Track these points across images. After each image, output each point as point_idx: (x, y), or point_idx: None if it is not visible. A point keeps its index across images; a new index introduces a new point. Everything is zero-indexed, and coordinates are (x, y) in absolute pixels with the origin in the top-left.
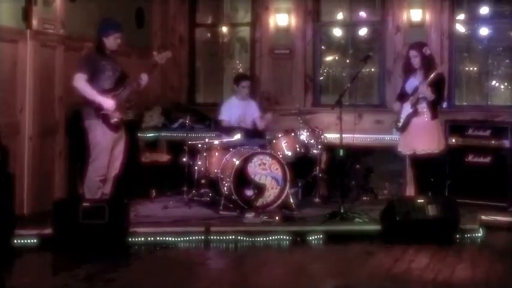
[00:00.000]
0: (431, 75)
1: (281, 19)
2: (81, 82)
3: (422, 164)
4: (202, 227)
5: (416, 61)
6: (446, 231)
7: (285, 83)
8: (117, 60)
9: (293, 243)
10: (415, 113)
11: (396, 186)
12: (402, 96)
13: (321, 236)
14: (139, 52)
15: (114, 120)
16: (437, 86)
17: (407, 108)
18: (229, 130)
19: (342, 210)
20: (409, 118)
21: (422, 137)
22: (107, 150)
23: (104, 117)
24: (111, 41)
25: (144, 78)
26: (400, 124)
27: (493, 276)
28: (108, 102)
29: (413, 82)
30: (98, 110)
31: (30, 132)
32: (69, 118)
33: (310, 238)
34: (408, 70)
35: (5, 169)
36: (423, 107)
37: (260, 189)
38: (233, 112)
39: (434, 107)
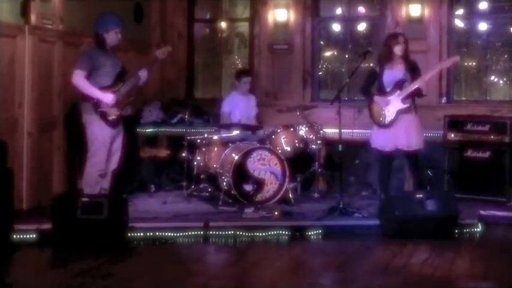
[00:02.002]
0: (434, 71)
1: (280, 14)
2: (79, 79)
3: (415, 160)
4: (201, 222)
5: (403, 48)
6: (445, 226)
7: (283, 78)
8: (117, 56)
9: (292, 238)
10: (409, 108)
11: (395, 182)
12: (368, 88)
13: (320, 231)
14: (137, 47)
15: (111, 117)
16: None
17: (395, 103)
18: (229, 126)
19: (341, 205)
20: (399, 114)
21: (413, 133)
22: (104, 146)
23: (102, 114)
24: (112, 36)
25: (144, 73)
26: (387, 120)
27: (492, 271)
28: (107, 97)
29: (392, 75)
30: (96, 107)
31: (28, 128)
32: (67, 113)
33: (309, 233)
34: (387, 60)
35: (4, 164)
36: (410, 101)
37: (259, 184)
38: (234, 107)
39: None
